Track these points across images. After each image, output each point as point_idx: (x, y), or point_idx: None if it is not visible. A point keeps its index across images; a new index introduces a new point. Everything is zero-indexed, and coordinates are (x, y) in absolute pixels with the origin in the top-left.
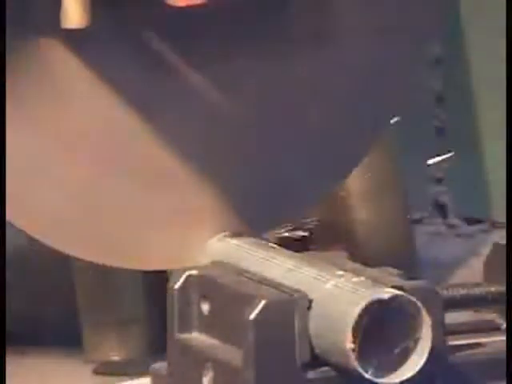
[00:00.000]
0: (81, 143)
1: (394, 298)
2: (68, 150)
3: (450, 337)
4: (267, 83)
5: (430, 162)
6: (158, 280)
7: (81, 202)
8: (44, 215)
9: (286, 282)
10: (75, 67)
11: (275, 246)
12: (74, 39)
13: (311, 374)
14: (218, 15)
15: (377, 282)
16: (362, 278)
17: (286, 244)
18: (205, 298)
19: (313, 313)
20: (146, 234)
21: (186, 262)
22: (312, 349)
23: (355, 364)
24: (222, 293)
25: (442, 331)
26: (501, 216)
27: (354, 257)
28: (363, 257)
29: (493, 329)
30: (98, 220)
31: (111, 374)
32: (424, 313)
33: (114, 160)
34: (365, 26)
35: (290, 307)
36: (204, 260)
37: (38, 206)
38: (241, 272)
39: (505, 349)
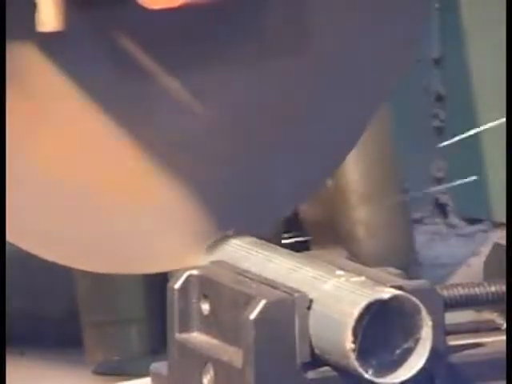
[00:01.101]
0: (60, 151)
1: (394, 297)
2: (50, 159)
3: (450, 337)
4: (244, 86)
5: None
6: (158, 280)
7: (71, 213)
8: (38, 230)
9: (286, 282)
10: (48, 70)
11: (275, 246)
12: (48, 42)
13: (311, 374)
14: (193, 19)
15: (377, 281)
16: (362, 278)
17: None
18: (205, 297)
19: (313, 313)
20: (139, 239)
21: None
22: (312, 349)
23: (355, 364)
24: (222, 293)
25: (442, 331)
26: (501, 216)
27: (353, 257)
28: (363, 257)
29: (493, 329)
30: (92, 230)
31: (111, 373)
32: (424, 313)
33: (89, 165)
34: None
35: (290, 307)
36: (198, 261)
37: (30, 221)
38: (241, 272)
39: (505, 349)
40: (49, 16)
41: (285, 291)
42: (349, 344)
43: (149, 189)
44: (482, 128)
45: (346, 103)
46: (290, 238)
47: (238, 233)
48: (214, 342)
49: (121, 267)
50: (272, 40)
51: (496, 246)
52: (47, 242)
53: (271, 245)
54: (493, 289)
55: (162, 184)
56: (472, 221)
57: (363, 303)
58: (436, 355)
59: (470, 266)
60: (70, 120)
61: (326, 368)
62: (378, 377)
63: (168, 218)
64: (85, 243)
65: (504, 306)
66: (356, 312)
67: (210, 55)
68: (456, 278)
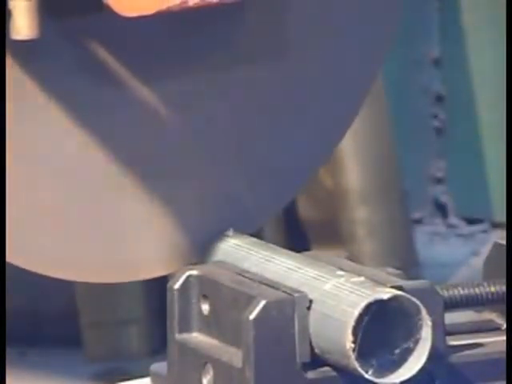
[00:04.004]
0: (39, 162)
1: (393, 298)
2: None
3: (450, 337)
4: (219, 96)
5: None
6: (157, 280)
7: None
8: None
9: (286, 282)
10: (21, 81)
11: (275, 246)
12: (21, 52)
13: (311, 374)
14: (168, 28)
15: (377, 282)
16: (362, 278)
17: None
18: (205, 297)
19: (313, 313)
20: (127, 247)
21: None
22: (312, 349)
23: (355, 364)
24: (222, 293)
25: (442, 331)
26: (501, 216)
27: (353, 257)
28: (363, 257)
29: (493, 329)
30: (81, 240)
31: (111, 374)
32: (424, 313)
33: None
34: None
35: (290, 307)
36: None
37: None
38: (241, 272)
39: (505, 349)
40: (23, 24)
41: (285, 291)
42: (349, 344)
43: (129, 197)
44: None
45: (322, 112)
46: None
47: (238, 233)
48: (214, 342)
49: (111, 276)
50: (246, 50)
51: (496, 245)
52: (33, 255)
53: (271, 245)
54: (493, 289)
55: (142, 192)
56: (472, 221)
57: (363, 303)
58: (436, 355)
59: (470, 266)
60: (49, 132)
61: (326, 368)
62: (378, 377)
63: (152, 225)
64: (71, 253)
65: (504, 306)
66: (356, 312)
67: (186, 65)
68: (456, 278)
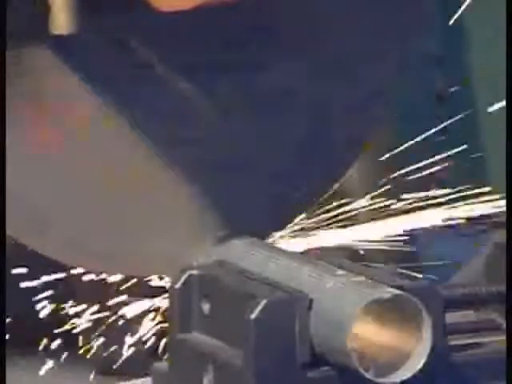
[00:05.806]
0: (69, 154)
1: (394, 297)
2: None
3: (450, 337)
4: (252, 94)
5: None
6: None
7: (78, 213)
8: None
9: (287, 282)
10: (61, 76)
11: (276, 245)
12: (61, 48)
13: (311, 374)
14: (204, 23)
15: (377, 281)
16: (362, 278)
17: None
18: (205, 297)
19: (313, 312)
20: (143, 242)
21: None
22: (312, 348)
23: (356, 364)
24: (223, 292)
25: (443, 331)
26: (501, 215)
27: (354, 257)
28: (363, 257)
29: (493, 329)
30: (97, 232)
31: (111, 373)
32: (424, 312)
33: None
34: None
35: (290, 307)
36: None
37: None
38: (242, 271)
39: (505, 349)
40: (62, 19)
41: (285, 291)
42: (349, 344)
43: (151, 192)
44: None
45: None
46: None
47: (239, 233)
48: (215, 341)
49: (121, 269)
50: (280, 47)
51: (496, 245)
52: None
53: (271, 245)
54: (493, 289)
55: (164, 188)
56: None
57: (363, 303)
58: (436, 355)
59: (469, 266)
60: (83, 122)
61: (327, 368)
62: (378, 376)
63: (169, 220)
64: (87, 244)
65: (504, 306)
66: (356, 312)
67: (223, 61)
68: (456, 278)
